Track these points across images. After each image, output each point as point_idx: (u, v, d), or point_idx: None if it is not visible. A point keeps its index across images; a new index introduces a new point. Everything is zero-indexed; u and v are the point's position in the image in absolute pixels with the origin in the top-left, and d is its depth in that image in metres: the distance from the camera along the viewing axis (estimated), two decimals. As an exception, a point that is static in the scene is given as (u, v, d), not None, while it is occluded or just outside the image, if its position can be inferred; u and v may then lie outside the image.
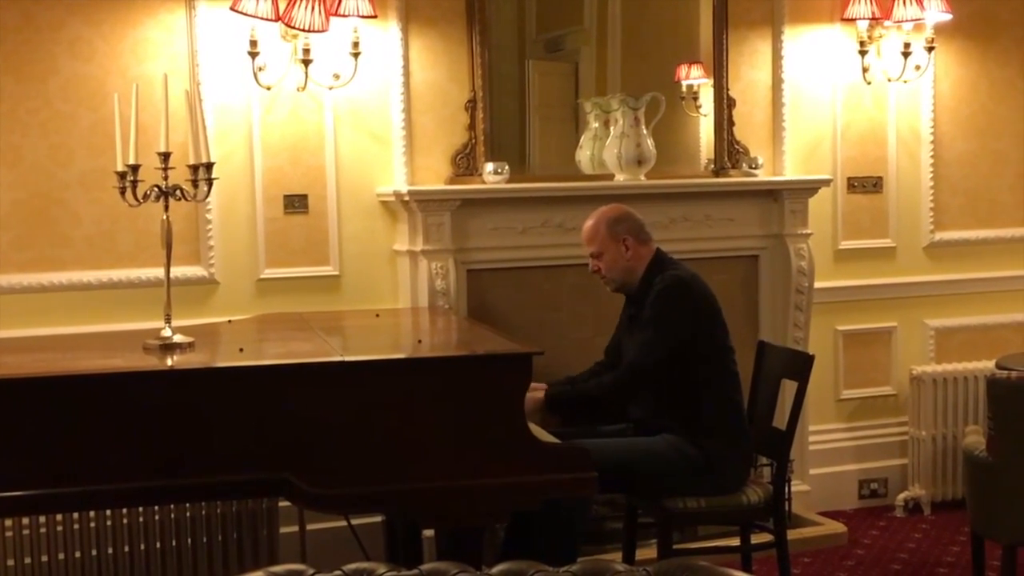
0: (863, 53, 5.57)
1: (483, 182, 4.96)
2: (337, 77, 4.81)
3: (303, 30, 4.66)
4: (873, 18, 5.49)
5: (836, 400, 5.78)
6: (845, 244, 5.74)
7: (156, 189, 3.71)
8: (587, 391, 4.18)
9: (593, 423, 4.31)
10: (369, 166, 4.96)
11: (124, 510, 4.22)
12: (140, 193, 3.71)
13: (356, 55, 4.77)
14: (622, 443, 4.12)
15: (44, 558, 4.22)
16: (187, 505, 4.31)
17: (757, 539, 4.32)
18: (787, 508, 4.67)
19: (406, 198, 4.80)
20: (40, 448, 3.25)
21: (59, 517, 4.18)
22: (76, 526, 4.23)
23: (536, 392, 4.04)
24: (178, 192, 3.73)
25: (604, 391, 4.13)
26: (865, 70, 5.60)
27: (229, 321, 4.50)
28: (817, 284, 5.43)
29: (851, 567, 5.00)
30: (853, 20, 5.53)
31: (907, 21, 5.49)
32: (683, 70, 5.51)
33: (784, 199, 5.35)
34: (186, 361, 3.64)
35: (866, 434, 5.82)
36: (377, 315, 4.66)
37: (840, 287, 5.71)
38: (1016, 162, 6.03)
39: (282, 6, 4.64)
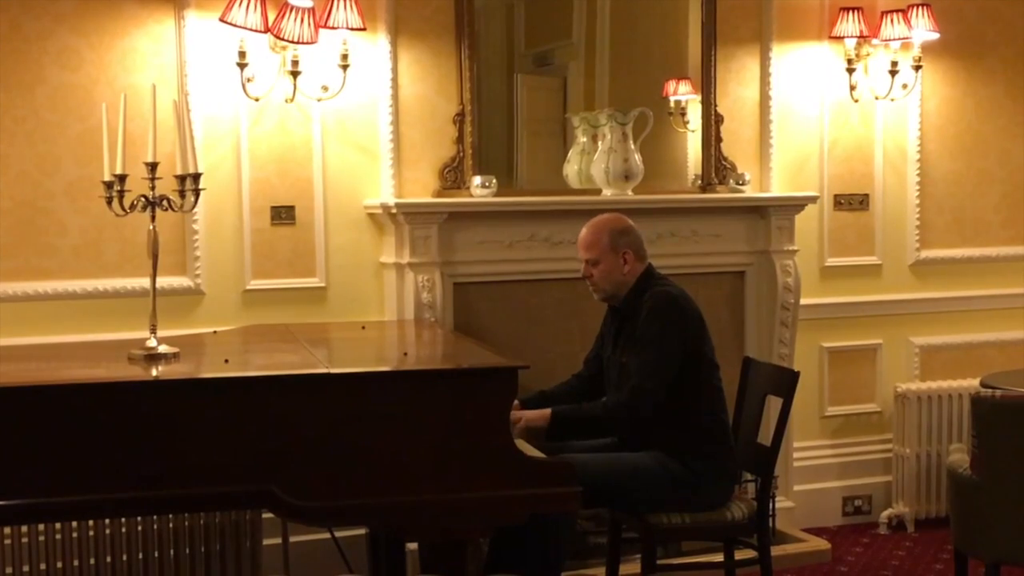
0: (851, 71, 5.60)
1: (470, 195, 4.96)
2: (326, 89, 4.81)
3: (292, 42, 4.67)
4: (861, 36, 5.52)
5: (821, 417, 5.79)
6: (831, 261, 5.76)
7: (143, 199, 3.70)
8: (593, 413, 4.11)
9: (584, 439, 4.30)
10: (357, 178, 4.96)
11: (107, 521, 4.20)
12: (127, 203, 3.70)
13: (345, 67, 4.78)
14: (607, 458, 4.11)
15: (26, 568, 4.20)
16: (170, 516, 4.29)
17: (741, 555, 4.33)
18: (771, 524, 4.66)
19: (393, 211, 4.80)
20: (22, 458, 3.23)
21: (41, 527, 4.16)
22: (58, 536, 4.21)
23: (541, 411, 4.07)
24: (165, 202, 3.72)
25: (610, 414, 4.08)
26: (852, 88, 5.63)
27: (215, 332, 4.49)
28: (803, 301, 5.45)
29: (835, 584, 5.01)
30: (841, 38, 5.56)
31: (895, 40, 5.52)
32: (671, 86, 5.53)
33: (771, 215, 5.37)
34: (171, 372, 3.63)
35: (850, 451, 5.83)
36: (363, 327, 4.66)
37: (826, 304, 5.72)
38: (1001, 181, 6.05)
39: (271, 17, 4.64)
